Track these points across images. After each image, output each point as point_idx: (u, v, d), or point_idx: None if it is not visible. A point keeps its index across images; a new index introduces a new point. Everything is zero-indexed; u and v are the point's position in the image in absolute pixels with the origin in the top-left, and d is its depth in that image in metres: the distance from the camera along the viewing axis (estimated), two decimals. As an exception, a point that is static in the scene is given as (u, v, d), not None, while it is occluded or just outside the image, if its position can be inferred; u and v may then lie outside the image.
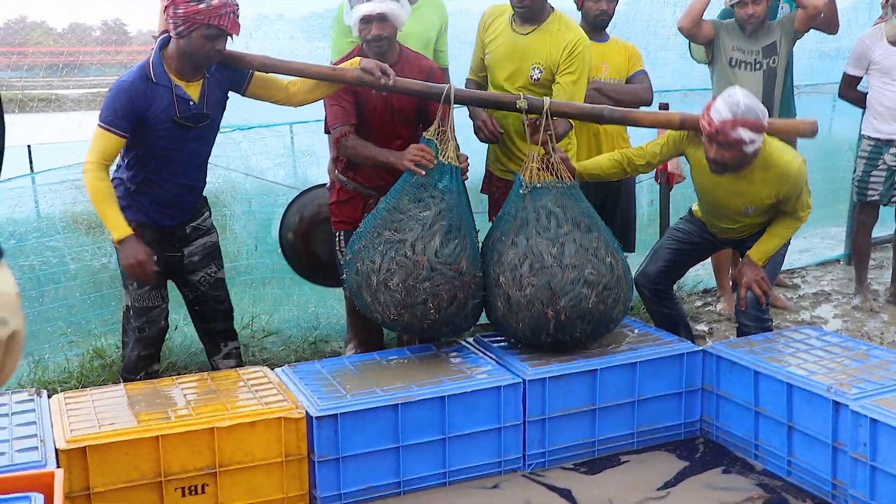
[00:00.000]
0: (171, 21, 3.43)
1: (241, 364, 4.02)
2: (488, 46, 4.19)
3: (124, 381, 3.69)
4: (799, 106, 5.79)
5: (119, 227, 3.52)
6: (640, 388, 3.79)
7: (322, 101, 3.92)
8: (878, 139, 5.58)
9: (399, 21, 3.84)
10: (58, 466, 2.87)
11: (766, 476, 3.58)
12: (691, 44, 5.18)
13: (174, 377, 3.73)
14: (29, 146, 8.85)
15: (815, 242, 7.29)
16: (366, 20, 3.79)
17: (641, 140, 4.92)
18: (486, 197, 4.51)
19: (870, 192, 5.66)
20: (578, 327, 3.64)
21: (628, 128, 4.78)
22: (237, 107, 4.72)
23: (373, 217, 3.73)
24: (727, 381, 3.81)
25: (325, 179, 4.35)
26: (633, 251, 4.97)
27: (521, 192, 3.75)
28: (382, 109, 3.94)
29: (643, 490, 3.47)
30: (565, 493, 3.45)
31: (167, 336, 4.38)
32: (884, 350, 3.91)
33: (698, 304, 5.78)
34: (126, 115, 3.48)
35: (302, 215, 4.44)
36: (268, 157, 4.91)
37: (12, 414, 3.24)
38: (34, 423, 3.15)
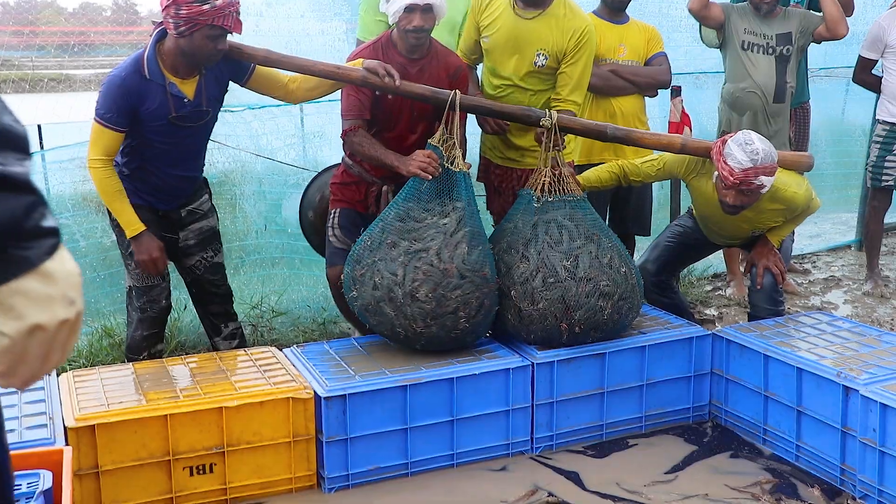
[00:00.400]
0: (171, 21, 3.34)
1: (244, 344, 4.03)
2: (486, 29, 4.05)
3: (129, 362, 3.70)
4: (812, 90, 5.75)
5: (132, 223, 3.55)
6: (649, 371, 3.78)
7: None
8: (893, 124, 5.54)
9: (441, 14, 3.74)
10: (66, 444, 2.88)
11: (775, 461, 3.57)
12: (702, 28, 5.13)
13: (183, 356, 3.74)
14: (39, 126, 8.84)
15: (827, 228, 7.26)
16: (410, 9, 3.64)
17: (657, 123, 4.92)
18: (480, 185, 4.43)
19: (884, 178, 5.62)
20: (592, 336, 3.64)
21: (646, 108, 4.77)
22: (249, 86, 4.70)
23: (380, 228, 3.59)
24: (736, 366, 3.80)
25: (339, 160, 4.32)
26: (649, 234, 4.96)
27: (531, 206, 3.70)
28: (401, 102, 3.84)
29: (651, 473, 3.46)
30: (573, 476, 3.45)
31: (176, 316, 4.39)
32: (894, 335, 3.89)
33: (708, 288, 5.77)
34: (121, 110, 3.44)
35: (323, 194, 4.40)
36: (278, 137, 4.88)
37: (21, 392, 3.25)
38: (43, 400, 3.16)
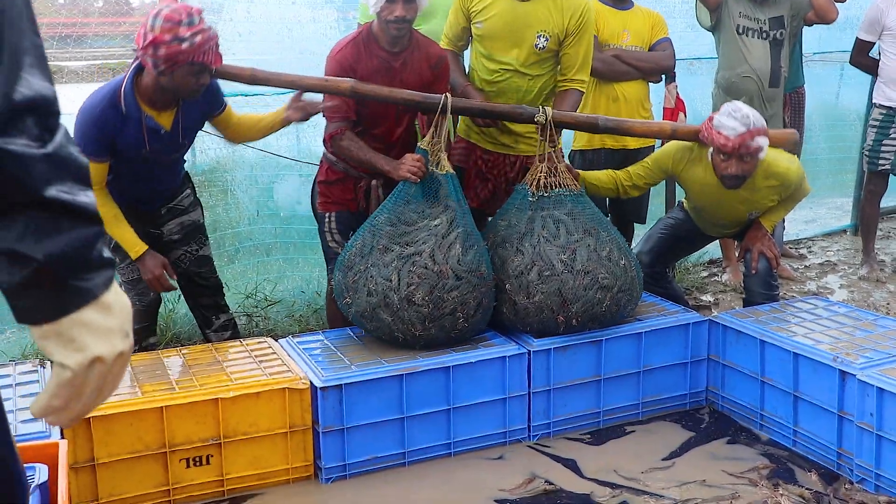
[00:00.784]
0: (150, 60, 3.26)
1: (237, 336, 4.02)
2: (478, 15, 3.96)
3: None
4: (807, 75, 5.74)
5: (134, 245, 3.54)
6: (646, 358, 3.78)
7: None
8: (890, 107, 5.53)
9: (422, 4, 3.67)
10: (62, 437, 2.86)
11: (772, 446, 3.58)
12: (698, 7, 5.10)
13: (178, 348, 3.73)
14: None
15: (822, 213, 7.26)
16: None
17: (653, 109, 4.90)
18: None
19: (881, 162, 5.61)
20: (589, 327, 3.64)
21: (651, 94, 4.76)
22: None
23: (370, 233, 3.55)
24: (733, 351, 3.80)
25: None
26: (644, 223, 4.96)
27: (526, 201, 3.69)
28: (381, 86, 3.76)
29: (648, 460, 3.46)
30: (570, 464, 3.45)
31: (171, 308, 4.38)
32: (890, 320, 3.89)
33: (704, 274, 5.76)
34: (99, 143, 3.39)
35: None
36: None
37: (16, 385, 3.23)
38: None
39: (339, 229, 3.95)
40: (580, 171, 3.99)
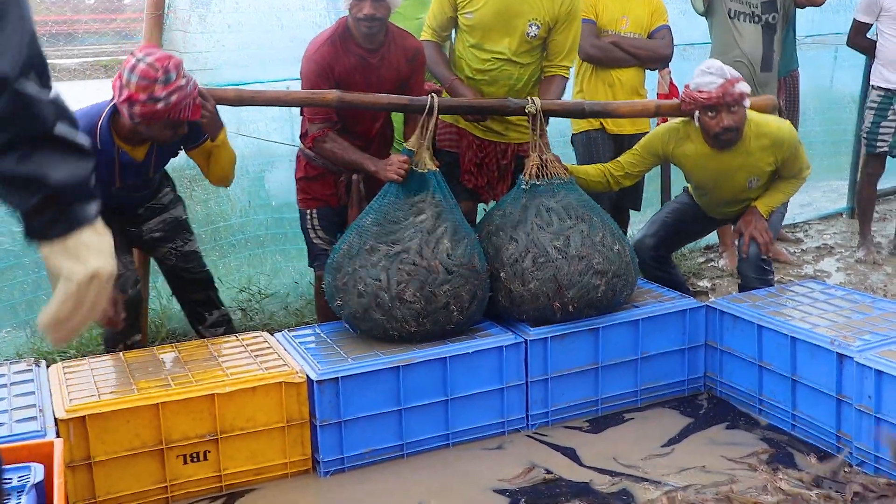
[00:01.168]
0: (126, 112, 3.22)
1: (231, 331, 3.99)
2: (468, 6, 3.91)
3: (107, 353, 3.66)
4: (801, 57, 5.72)
5: None
6: (643, 345, 3.77)
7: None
8: (888, 89, 5.49)
9: (395, 3, 3.62)
10: (57, 436, 2.85)
11: (771, 430, 3.57)
12: None
13: (174, 344, 3.71)
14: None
15: (818, 196, 7.25)
16: None
17: (647, 95, 4.89)
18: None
19: (879, 144, 5.59)
20: (586, 313, 3.62)
21: (646, 80, 4.75)
22: (236, 62, 4.62)
23: (357, 234, 3.54)
24: (730, 336, 3.79)
25: None
26: (639, 210, 4.95)
27: (519, 189, 3.70)
28: (366, 93, 3.71)
29: (647, 447, 3.45)
30: (569, 452, 3.44)
31: (165, 304, 4.36)
32: (888, 302, 3.88)
33: (700, 260, 5.75)
34: None
35: None
36: (262, 113, 4.79)
37: (11, 384, 3.22)
38: (33, 392, 3.14)
39: (322, 225, 3.94)
40: (568, 166, 3.97)
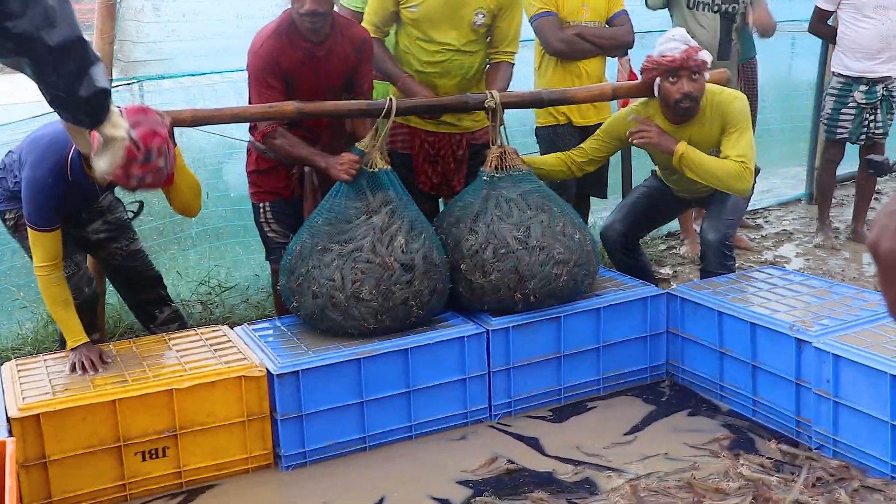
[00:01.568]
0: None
1: (183, 326, 3.94)
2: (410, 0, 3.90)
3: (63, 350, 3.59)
4: (759, 45, 5.74)
5: (75, 334, 3.34)
6: (605, 333, 3.77)
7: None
8: (848, 76, 5.53)
9: None
10: (10, 435, 2.80)
11: (732, 416, 3.59)
12: None
13: (131, 340, 3.66)
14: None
15: (777, 182, 7.31)
16: None
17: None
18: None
19: (839, 130, 5.63)
20: (547, 303, 3.62)
21: (606, 69, 4.74)
22: (191, 52, 4.54)
23: (309, 234, 3.51)
24: (691, 324, 3.81)
25: None
26: (606, 197, 4.95)
27: (480, 181, 3.70)
28: (314, 87, 3.68)
29: (610, 435, 3.46)
30: (532, 442, 3.44)
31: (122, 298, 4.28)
32: (845, 287, 3.92)
33: (662, 247, 5.78)
34: (51, 211, 3.29)
35: None
36: (217, 103, 4.72)
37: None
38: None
39: (275, 218, 3.91)
40: (526, 158, 3.96)
